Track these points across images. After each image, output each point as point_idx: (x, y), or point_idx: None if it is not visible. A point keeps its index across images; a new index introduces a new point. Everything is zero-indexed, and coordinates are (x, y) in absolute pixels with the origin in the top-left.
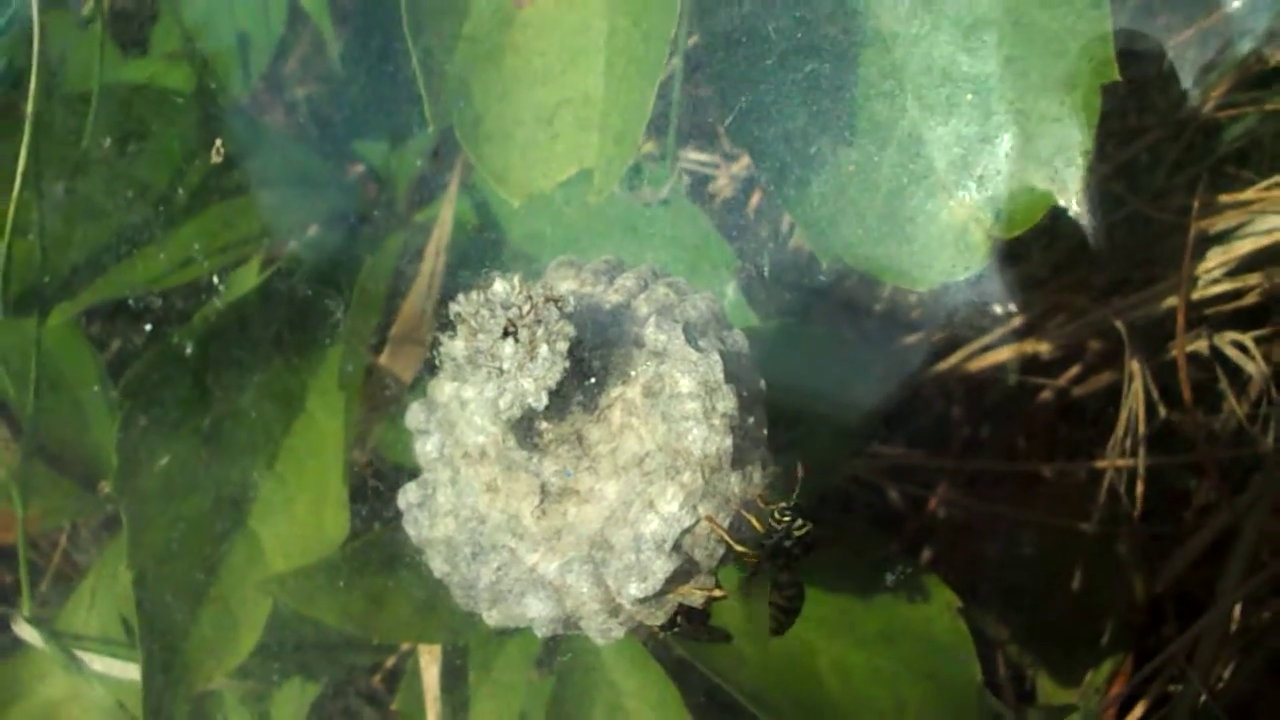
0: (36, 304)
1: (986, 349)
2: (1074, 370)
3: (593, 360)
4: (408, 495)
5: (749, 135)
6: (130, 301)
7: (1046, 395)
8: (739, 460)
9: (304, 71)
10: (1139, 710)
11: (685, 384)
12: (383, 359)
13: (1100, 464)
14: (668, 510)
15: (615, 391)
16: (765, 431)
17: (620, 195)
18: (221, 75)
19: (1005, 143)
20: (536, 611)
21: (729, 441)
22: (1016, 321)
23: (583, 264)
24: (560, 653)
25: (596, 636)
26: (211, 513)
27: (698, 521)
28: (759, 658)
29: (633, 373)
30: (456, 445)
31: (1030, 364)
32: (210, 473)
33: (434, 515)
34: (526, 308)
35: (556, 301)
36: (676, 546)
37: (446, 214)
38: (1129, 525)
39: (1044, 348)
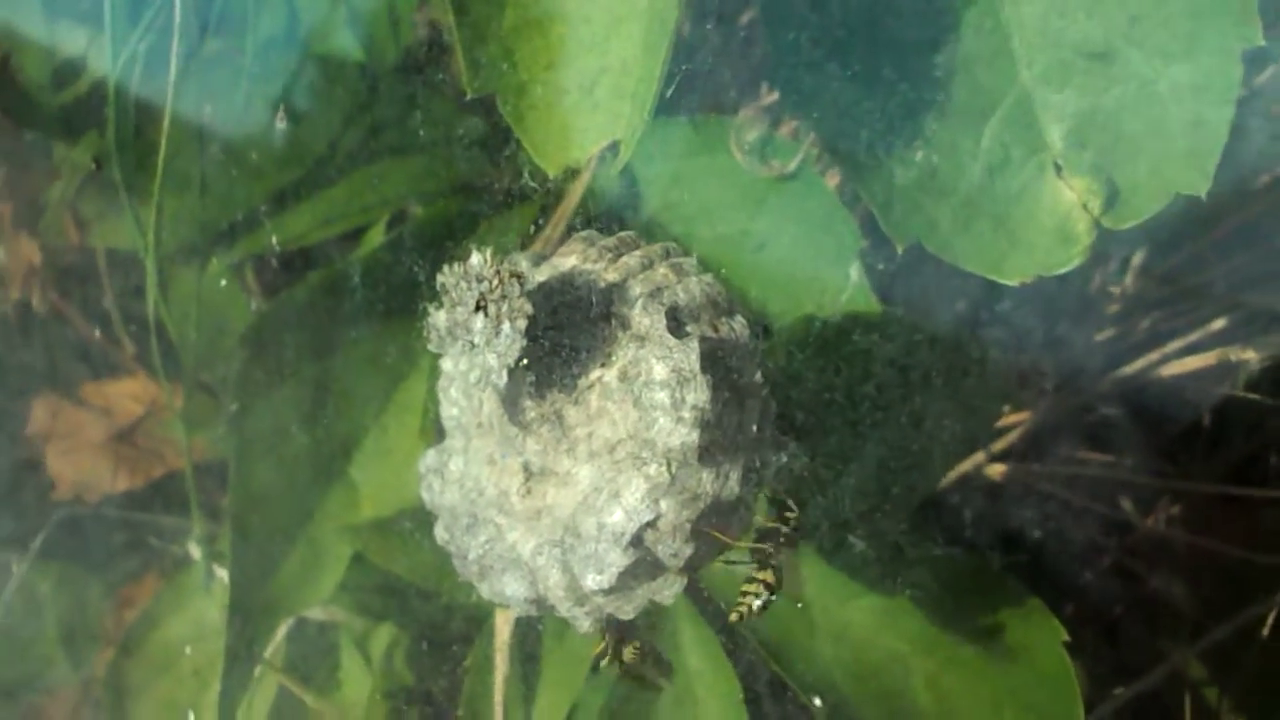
0: (197, 254)
1: (1178, 355)
2: None
3: (569, 340)
4: (426, 460)
5: (816, 109)
6: (273, 256)
7: (1254, 413)
8: (711, 457)
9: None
10: None
11: (659, 371)
12: None
13: None
14: (630, 502)
15: (595, 374)
16: (756, 430)
17: (752, 167)
18: (378, 39)
19: (1128, 116)
20: (513, 591)
21: (695, 436)
22: (1218, 325)
23: (598, 239)
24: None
25: (571, 623)
26: (314, 459)
27: (659, 517)
28: (840, 663)
29: (613, 356)
30: (472, 415)
31: (1232, 374)
32: (320, 421)
33: (445, 482)
34: (495, 282)
35: (519, 278)
36: (636, 541)
37: (580, 182)
38: None
39: (1251, 356)
